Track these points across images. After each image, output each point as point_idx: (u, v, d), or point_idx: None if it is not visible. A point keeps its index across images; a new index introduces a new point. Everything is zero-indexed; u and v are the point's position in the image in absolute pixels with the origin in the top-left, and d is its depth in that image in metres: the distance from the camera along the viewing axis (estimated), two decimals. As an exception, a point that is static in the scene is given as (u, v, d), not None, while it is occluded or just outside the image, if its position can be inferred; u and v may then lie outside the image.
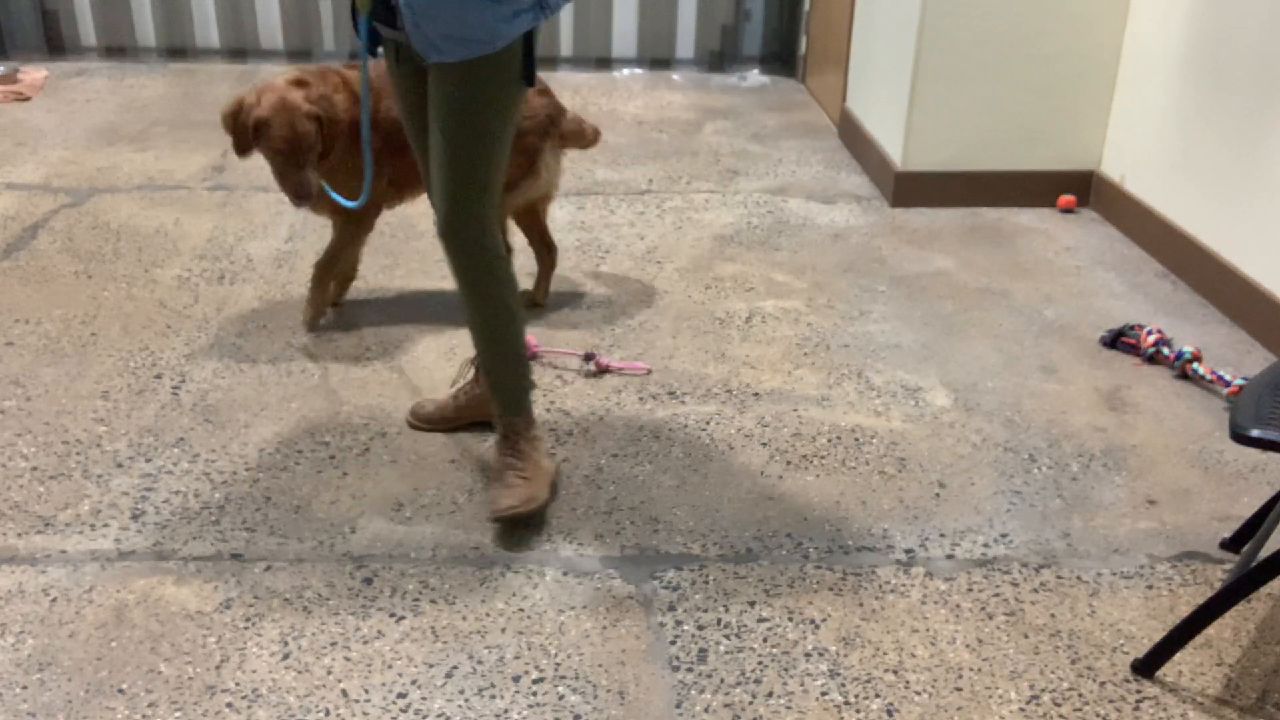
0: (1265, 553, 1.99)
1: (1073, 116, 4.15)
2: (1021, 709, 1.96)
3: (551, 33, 6.04)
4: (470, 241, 2.27)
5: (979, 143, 4.17)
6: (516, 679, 2.00)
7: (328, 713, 1.92)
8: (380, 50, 2.35)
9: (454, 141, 2.20)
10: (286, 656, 2.04)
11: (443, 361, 3.04)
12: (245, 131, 2.86)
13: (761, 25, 6.11)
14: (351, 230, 3.14)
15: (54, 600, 2.16)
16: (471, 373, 2.72)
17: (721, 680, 2.01)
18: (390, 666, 2.02)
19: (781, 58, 6.19)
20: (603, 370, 3.00)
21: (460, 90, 2.18)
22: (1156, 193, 3.84)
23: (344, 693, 1.96)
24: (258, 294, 3.42)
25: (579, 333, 3.22)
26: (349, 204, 2.77)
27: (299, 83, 2.90)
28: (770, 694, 1.98)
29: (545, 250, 3.36)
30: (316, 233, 3.82)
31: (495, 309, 2.33)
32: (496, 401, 2.43)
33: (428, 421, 2.73)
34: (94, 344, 3.10)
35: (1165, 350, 3.10)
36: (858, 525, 2.43)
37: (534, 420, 2.46)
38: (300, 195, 2.84)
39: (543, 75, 3.27)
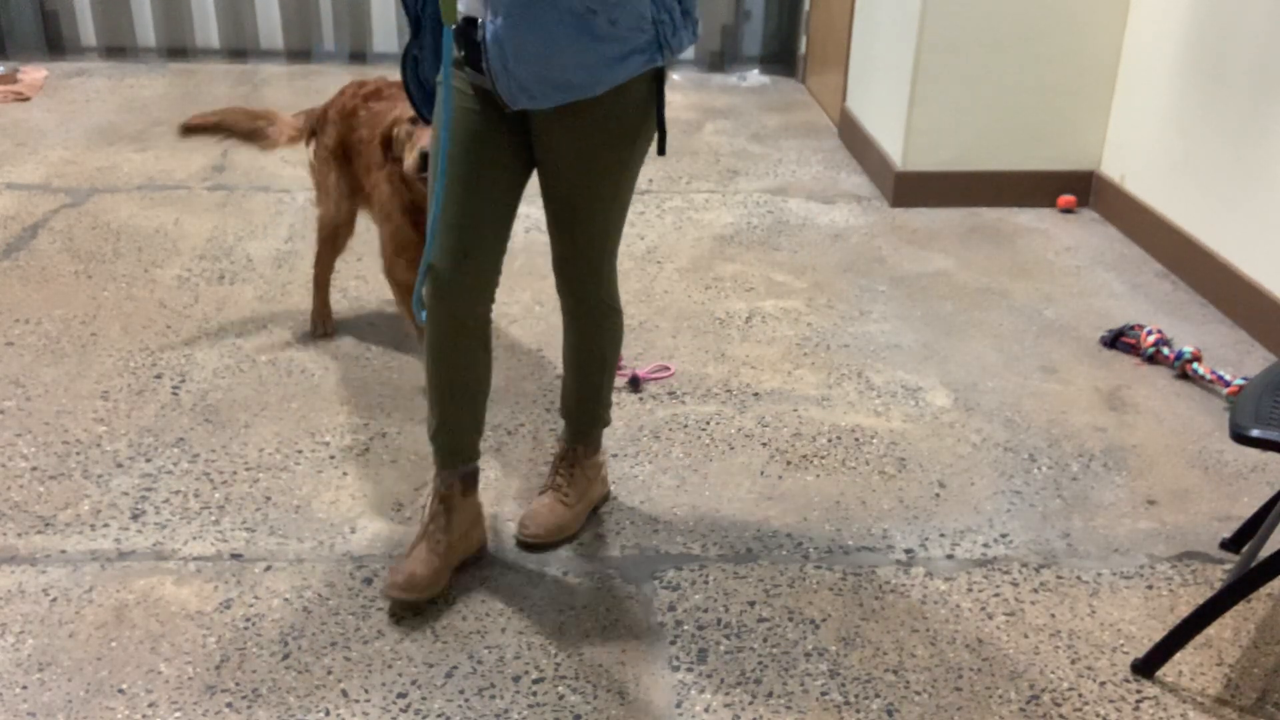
0: (1265, 553, 1.99)
1: (1073, 116, 4.15)
2: (1021, 709, 1.96)
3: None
4: (602, 304, 2.22)
5: (979, 143, 4.17)
6: (516, 679, 2.00)
7: (328, 713, 1.92)
8: (433, 80, 2.12)
9: (580, 200, 2.07)
10: (286, 656, 2.04)
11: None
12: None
13: (761, 25, 6.11)
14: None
15: (54, 600, 2.16)
16: (431, 493, 2.26)
17: (721, 680, 2.01)
18: (390, 666, 2.02)
19: (781, 58, 6.19)
20: (636, 384, 2.94)
21: (575, 142, 2.01)
22: (1156, 193, 3.84)
23: (344, 693, 1.96)
24: (258, 294, 3.42)
25: (579, 333, 3.22)
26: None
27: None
28: (770, 694, 1.98)
29: None
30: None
31: (614, 350, 2.33)
32: (573, 428, 2.39)
33: (422, 587, 2.13)
34: (94, 344, 3.10)
35: (1165, 350, 3.10)
36: (858, 525, 2.43)
37: (600, 447, 2.44)
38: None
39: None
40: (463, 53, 1.96)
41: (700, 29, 2.09)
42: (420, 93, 2.17)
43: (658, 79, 2.02)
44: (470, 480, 2.23)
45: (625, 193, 2.10)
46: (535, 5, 1.85)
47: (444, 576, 2.17)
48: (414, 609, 2.14)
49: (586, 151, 2.03)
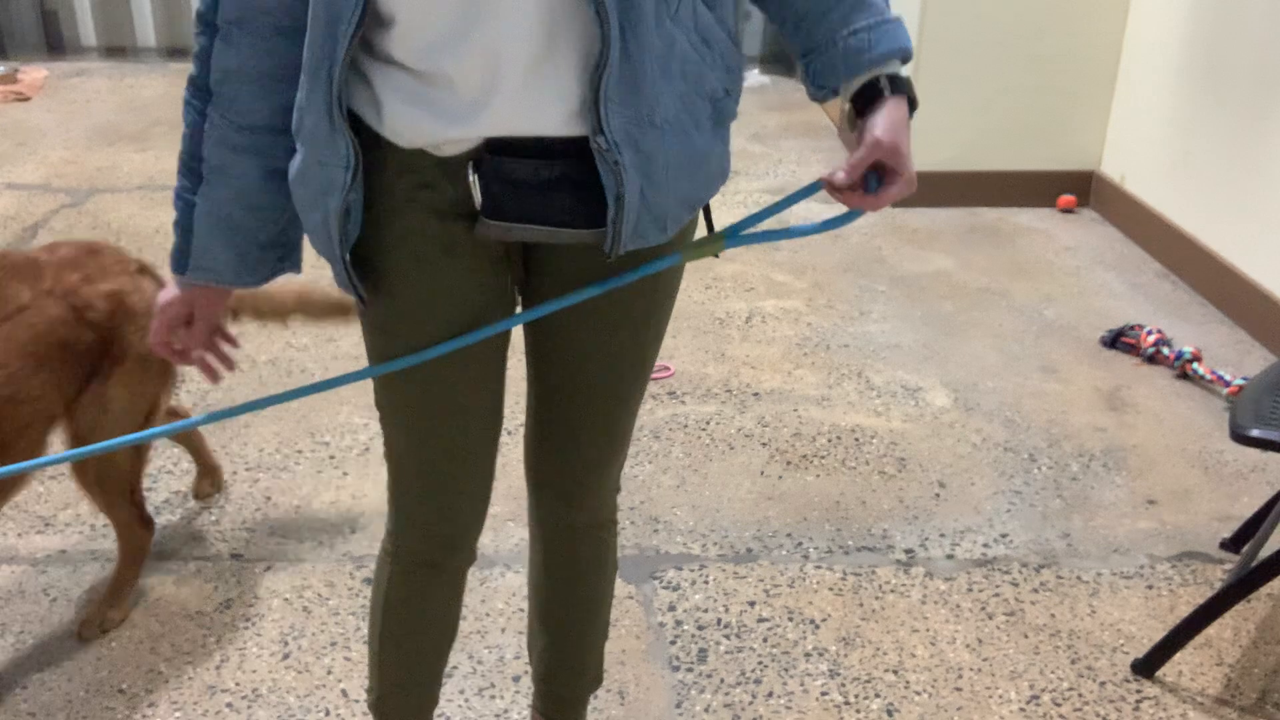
0: (1265, 553, 1.99)
1: (1073, 116, 4.15)
2: (1021, 709, 1.96)
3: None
4: (607, 523, 1.60)
5: (979, 143, 4.17)
6: (516, 679, 2.00)
7: (328, 713, 1.92)
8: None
9: (613, 385, 1.44)
10: (286, 656, 2.04)
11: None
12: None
13: (762, 25, 6.11)
14: None
15: (54, 600, 2.16)
16: None
17: (721, 680, 2.01)
18: (390, 666, 2.02)
19: (781, 58, 6.19)
20: None
21: (648, 292, 1.40)
22: (1156, 193, 3.84)
23: (344, 693, 1.96)
24: (258, 294, 3.42)
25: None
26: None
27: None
28: (770, 694, 1.98)
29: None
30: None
31: (613, 584, 1.69)
32: (553, 696, 1.73)
33: None
34: (94, 344, 3.10)
35: (1165, 350, 3.10)
36: (858, 525, 2.43)
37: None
38: None
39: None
40: (485, 201, 1.25)
41: None
42: (230, 243, 1.34)
43: None
44: None
45: (653, 362, 1.49)
46: (690, 97, 1.26)
47: None
48: None
49: (638, 313, 1.41)
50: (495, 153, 1.22)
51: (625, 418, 1.48)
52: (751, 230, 1.35)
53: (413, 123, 1.22)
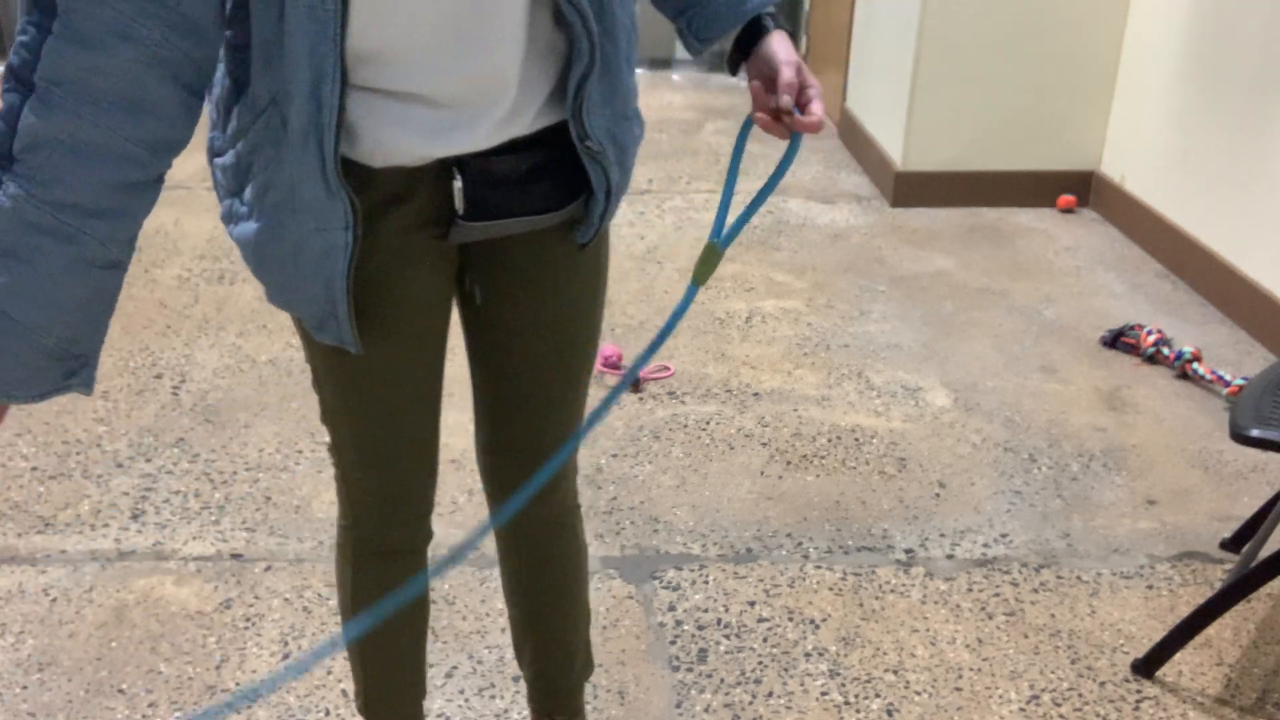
0: (1265, 553, 1.99)
1: (1073, 116, 4.15)
2: (1021, 709, 1.96)
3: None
4: (570, 508, 1.60)
5: (979, 143, 4.17)
6: (516, 679, 2.00)
7: (328, 713, 1.92)
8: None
9: (572, 360, 1.46)
10: (286, 656, 2.04)
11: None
12: None
13: (761, 25, 6.10)
14: None
15: (54, 600, 2.16)
16: None
17: (721, 680, 2.01)
18: (390, 666, 2.02)
19: (781, 58, 6.18)
20: (636, 384, 2.91)
21: (594, 266, 1.42)
22: (1156, 193, 3.84)
23: (344, 693, 1.96)
24: (258, 294, 3.42)
25: (579, 333, 3.22)
26: None
27: None
28: (770, 694, 1.98)
29: None
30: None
31: (586, 560, 1.68)
32: (544, 689, 1.73)
33: None
34: (94, 344, 3.10)
35: (1165, 350, 3.10)
36: (858, 525, 2.43)
37: (583, 708, 1.79)
38: None
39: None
40: (468, 203, 1.25)
41: None
42: (6, 347, 1.09)
43: None
44: None
45: (599, 338, 1.50)
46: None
47: None
48: None
49: (578, 291, 1.42)
50: (478, 155, 1.23)
51: (581, 398, 1.49)
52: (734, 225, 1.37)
53: (394, 144, 1.20)
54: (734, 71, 1.35)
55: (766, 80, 1.27)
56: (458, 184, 1.23)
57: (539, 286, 1.38)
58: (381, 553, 1.50)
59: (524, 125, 1.24)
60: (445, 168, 1.23)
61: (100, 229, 1.09)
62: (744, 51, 1.31)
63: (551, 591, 1.63)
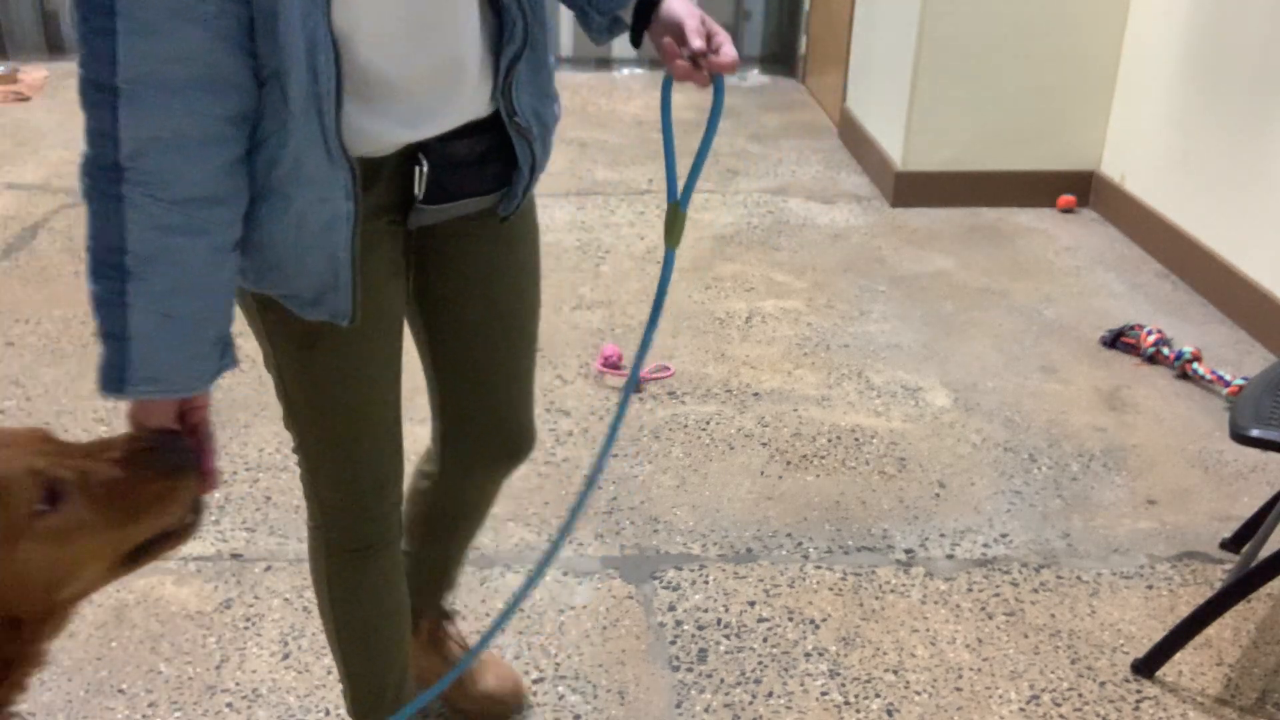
0: (1265, 553, 1.99)
1: (1073, 116, 4.15)
2: (1021, 709, 1.96)
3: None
4: (528, 451, 1.69)
5: (979, 143, 4.17)
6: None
7: (328, 713, 1.92)
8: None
9: (527, 317, 1.56)
10: (286, 656, 2.04)
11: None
12: None
13: (761, 25, 6.11)
14: None
15: (54, 600, 2.16)
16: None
17: (721, 680, 2.01)
18: (390, 666, 2.02)
19: (781, 58, 6.19)
20: (638, 385, 2.91)
21: (529, 234, 1.52)
22: (1156, 193, 3.84)
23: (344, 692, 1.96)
24: (258, 294, 3.42)
25: (578, 333, 3.22)
26: None
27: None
28: (770, 694, 1.98)
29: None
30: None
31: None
32: (442, 598, 1.87)
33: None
34: (94, 344, 3.10)
35: (1165, 350, 3.10)
36: (858, 525, 2.43)
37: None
38: None
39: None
40: (424, 188, 1.31)
41: None
42: (176, 344, 1.18)
43: None
44: None
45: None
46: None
47: None
48: None
49: (524, 256, 1.51)
50: (440, 139, 1.30)
51: (531, 367, 1.60)
52: (688, 181, 1.42)
53: (373, 132, 1.24)
54: (637, 43, 1.38)
55: (676, 36, 1.31)
56: (423, 169, 1.28)
57: (474, 261, 1.45)
58: (356, 549, 1.52)
59: (481, 107, 1.32)
60: (408, 154, 1.28)
61: (224, 214, 1.15)
62: (645, 20, 1.34)
63: (482, 515, 1.76)
